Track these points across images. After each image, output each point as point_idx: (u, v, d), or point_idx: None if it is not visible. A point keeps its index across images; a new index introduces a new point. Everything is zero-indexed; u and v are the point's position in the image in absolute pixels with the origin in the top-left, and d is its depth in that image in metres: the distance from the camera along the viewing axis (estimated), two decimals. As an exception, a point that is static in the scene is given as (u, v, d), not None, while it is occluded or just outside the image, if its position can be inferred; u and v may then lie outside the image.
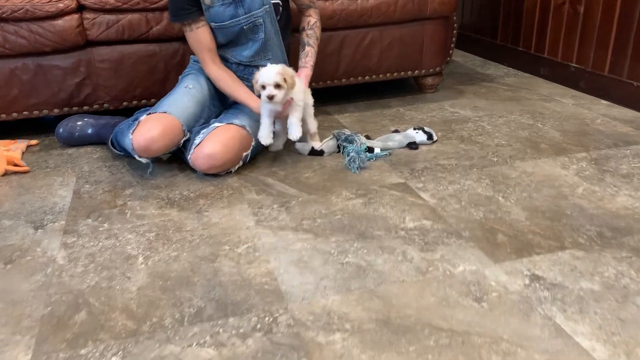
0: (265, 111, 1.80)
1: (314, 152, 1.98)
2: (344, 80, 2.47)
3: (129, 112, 2.25)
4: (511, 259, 1.32)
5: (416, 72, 2.56)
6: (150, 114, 1.78)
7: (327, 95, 2.58)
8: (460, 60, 3.34)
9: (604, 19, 2.45)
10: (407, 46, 2.48)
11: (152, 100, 2.26)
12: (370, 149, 1.96)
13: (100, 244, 1.45)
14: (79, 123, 2.11)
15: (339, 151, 1.99)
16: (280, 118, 1.84)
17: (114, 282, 1.29)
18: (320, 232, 1.47)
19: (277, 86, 1.71)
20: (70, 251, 1.42)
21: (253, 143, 1.87)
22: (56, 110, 2.17)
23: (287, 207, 1.61)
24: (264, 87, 1.72)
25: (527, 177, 1.74)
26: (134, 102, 2.25)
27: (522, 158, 1.89)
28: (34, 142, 2.16)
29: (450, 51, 2.70)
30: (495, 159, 1.89)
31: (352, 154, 1.88)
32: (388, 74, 2.52)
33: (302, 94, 1.83)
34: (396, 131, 2.11)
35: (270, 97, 1.71)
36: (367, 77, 2.50)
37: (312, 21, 1.96)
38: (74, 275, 1.32)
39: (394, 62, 2.50)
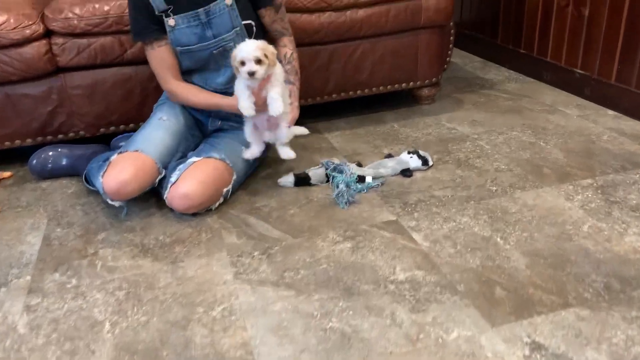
0: (242, 85, 1.66)
1: (300, 182, 1.86)
2: (334, 95, 2.34)
3: (107, 138, 2.14)
4: (510, 321, 1.21)
5: (411, 84, 2.43)
6: (121, 152, 1.66)
7: (316, 111, 2.44)
8: (459, 62, 3.19)
9: (610, 23, 2.29)
10: (400, 58, 2.34)
11: (131, 125, 2.14)
12: (361, 178, 1.84)
13: (66, 306, 1.34)
14: (51, 154, 1.99)
15: (327, 181, 1.87)
16: (259, 100, 1.66)
17: (76, 358, 1.18)
18: (304, 288, 1.35)
19: (258, 62, 1.57)
20: (33, 316, 1.32)
21: (234, 177, 1.75)
22: (29, 141, 2.06)
23: (269, 254, 1.49)
24: (243, 63, 1.58)
25: (529, 212, 1.62)
26: (112, 128, 2.13)
27: (523, 187, 1.76)
28: (7, 174, 2.05)
29: (448, 59, 2.56)
30: (494, 188, 1.76)
31: (340, 187, 1.76)
32: (381, 87, 2.38)
33: (281, 71, 1.70)
34: (389, 156, 1.98)
35: (251, 74, 1.57)
36: (358, 92, 2.36)
37: (288, 53, 1.82)
38: (34, 348, 1.22)
39: (387, 74, 2.36)
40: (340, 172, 1.84)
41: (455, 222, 1.59)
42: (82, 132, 2.10)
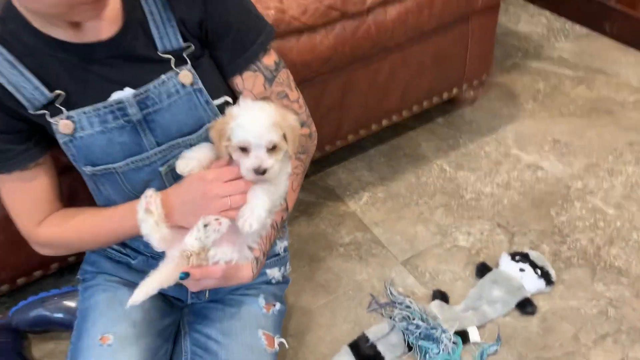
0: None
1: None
2: (350, 137, 1.49)
3: None
4: None
5: (455, 90, 1.60)
6: None
7: (325, 161, 1.58)
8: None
9: None
10: (445, 60, 1.49)
11: (37, 273, 1.24)
12: (462, 334, 1.13)
13: None
14: None
15: (410, 349, 1.13)
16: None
17: None
18: None
19: (273, 148, 0.79)
20: None
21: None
22: None
23: None
24: (244, 150, 0.79)
25: None
26: (3, 288, 1.22)
27: None
28: None
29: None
30: (678, 330, 1.12)
31: (447, 381, 1.05)
32: (415, 108, 1.55)
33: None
34: (484, 268, 1.25)
35: (262, 172, 0.79)
36: (384, 122, 1.52)
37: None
38: None
39: (426, 87, 1.52)
40: (433, 339, 1.11)
41: None
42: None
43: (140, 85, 0.85)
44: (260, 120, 0.79)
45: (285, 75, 0.96)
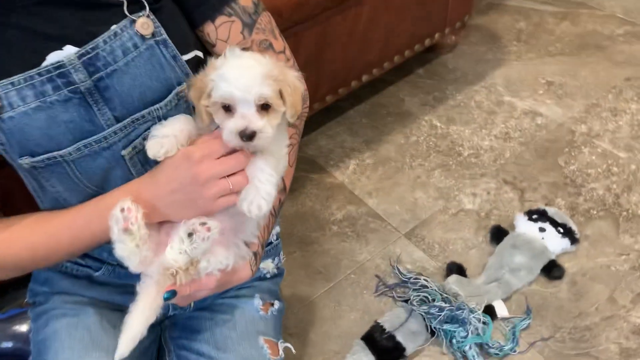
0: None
1: (385, 355, 0.96)
2: (328, 97, 1.30)
3: None
4: None
5: (437, 35, 1.43)
6: None
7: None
8: None
9: None
10: (428, 1, 1.32)
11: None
12: (489, 310, 0.99)
13: None
14: None
15: (433, 335, 0.99)
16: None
17: None
18: None
19: (265, 107, 0.60)
20: None
21: None
22: None
23: None
24: (228, 109, 0.60)
25: None
26: None
27: None
28: None
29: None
30: None
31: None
32: (396, 58, 1.38)
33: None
34: (498, 231, 1.11)
35: (249, 137, 0.59)
36: (364, 78, 1.34)
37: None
38: None
39: (409, 33, 1.34)
40: (458, 321, 0.97)
41: None
42: None
43: (85, 41, 0.63)
44: (250, 70, 0.59)
45: (266, 19, 0.76)
